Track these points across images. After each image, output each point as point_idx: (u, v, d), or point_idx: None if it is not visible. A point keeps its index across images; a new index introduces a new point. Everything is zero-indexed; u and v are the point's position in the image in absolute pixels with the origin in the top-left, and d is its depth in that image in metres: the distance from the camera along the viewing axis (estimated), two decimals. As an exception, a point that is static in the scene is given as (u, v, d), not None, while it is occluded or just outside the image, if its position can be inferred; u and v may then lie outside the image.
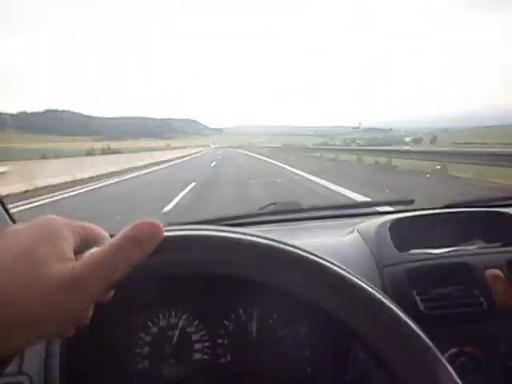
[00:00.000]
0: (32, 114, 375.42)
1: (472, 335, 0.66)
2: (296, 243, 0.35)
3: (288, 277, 0.35)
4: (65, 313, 0.32)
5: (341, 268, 0.36)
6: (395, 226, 0.83)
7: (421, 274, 0.70)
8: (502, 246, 0.78)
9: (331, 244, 0.84)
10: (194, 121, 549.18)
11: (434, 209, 1.07)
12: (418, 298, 0.67)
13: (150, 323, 0.45)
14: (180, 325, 0.45)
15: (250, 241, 0.36)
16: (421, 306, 0.66)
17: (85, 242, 0.36)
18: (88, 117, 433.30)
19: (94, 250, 0.34)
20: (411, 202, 1.22)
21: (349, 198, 6.19)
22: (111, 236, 0.35)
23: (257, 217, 1.22)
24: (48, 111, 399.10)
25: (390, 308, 0.34)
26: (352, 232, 0.88)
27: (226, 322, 0.45)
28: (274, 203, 1.26)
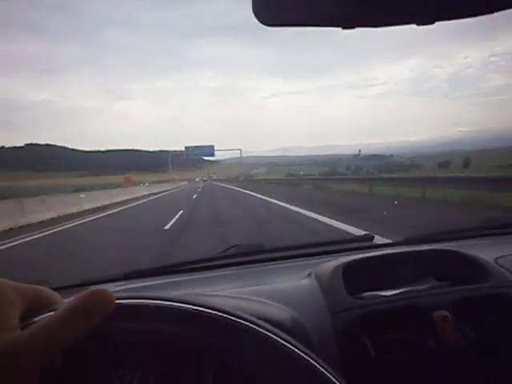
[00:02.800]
0: (10, 148, 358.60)
1: (424, 379, 0.68)
2: (252, 289, 0.36)
3: (230, 347, 0.36)
4: (7, 383, 0.30)
5: (277, 335, 0.36)
6: (349, 268, 0.84)
7: (372, 319, 0.71)
8: (451, 286, 0.80)
9: (288, 289, 0.85)
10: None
11: (392, 245, 1.09)
12: (369, 344, 0.67)
13: (100, 381, 0.44)
14: (133, 382, 0.44)
15: (199, 312, 0.36)
16: (372, 351, 0.66)
17: (36, 307, 0.35)
18: (73, 151, 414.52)
19: (42, 317, 0.33)
20: (371, 238, 1.27)
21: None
22: (78, 286, 0.39)
23: (219, 260, 1.24)
24: (29, 145, 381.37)
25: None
26: (309, 276, 0.90)
27: (182, 381, 0.44)
28: (237, 245, 1.31)
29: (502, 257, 0.88)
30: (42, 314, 0.35)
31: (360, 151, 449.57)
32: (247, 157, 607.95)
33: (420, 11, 0.36)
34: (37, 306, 0.36)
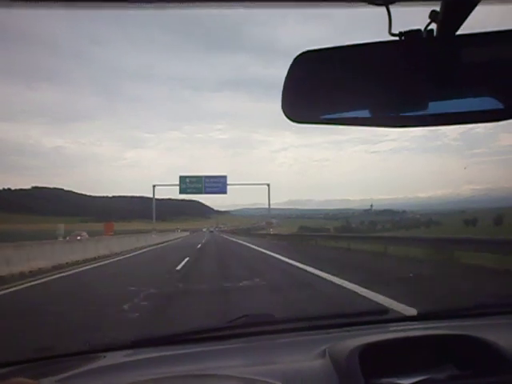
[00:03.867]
0: (17, 190, 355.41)
1: None
2: (264, 368, 0.34)
3: None
4: None
5: None
6: (367, 350, 0.81)
7: None
8: (471, 376, 0.76)
9: (301, 369, 0.82)
10: (198, 202, 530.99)
11: (406, 319, 1.08)
12: None
13: None
14: None
15: None
16: None
17: None
18: (80, 195, 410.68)
19: None
20: (386, 311, 1.25)
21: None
22: (88, 352, 0.37)
23: (228, 330, 1.20)
24: (36, 188, 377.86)
25: None
26: (323, 355, 0.86)
27: None
28: (246, 315, 1.26)
29: None
30: None
31: (372, 206, 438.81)
32: (256, 208, 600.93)
33: (429, 118, 0.38)
34: None
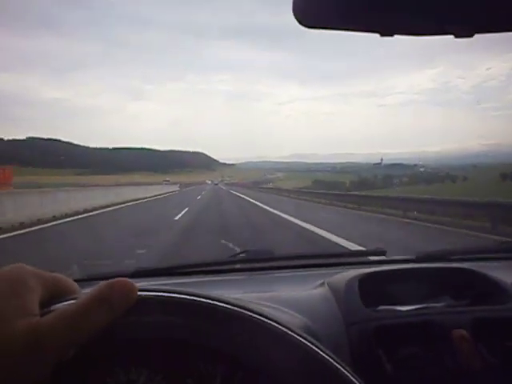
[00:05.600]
0: (10, 141, 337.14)
1: None
2: (262, 295, 0.36)
3: (248, 345, 0.35)
4: (22, 372, 0.29)
5: (296, 333, 0.36)
6: (365, 280, 0.83)
7: (388, 333, 0.70)
8: (468, 305, 0.79)
9: (301, 297, 0.84)
10: (203, 154, 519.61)
11: (404, 261, 1.10)
12: (384, 358, 0.66)
13: (107, 379, 0.43)
14: (140, 381, 0.43)
15: (224, 308, 0.35)
16: (388, 366, 0.66)
17: (54, 295, 0.34)
18: (77, 146, 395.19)
19: (63, 305, 0.32)
20: (383, 252, 1.26)
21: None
22: (85, 280, 0.28)
23: (228, 264, 1.23)
24: (30, 139, 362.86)
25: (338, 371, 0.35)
26: (322, 285, 0.89)
27: (189, 379, 0.44)
28: (246, 251, 1.28)
29: None
30: (62, 302, 0.33)
31: (382, 160, 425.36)
32: (261, 162, 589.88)
33: (460, 22, 0.34)
34: (56, 294, 0.34)
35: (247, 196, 29.86)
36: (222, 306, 0.36)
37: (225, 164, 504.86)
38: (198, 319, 0.35)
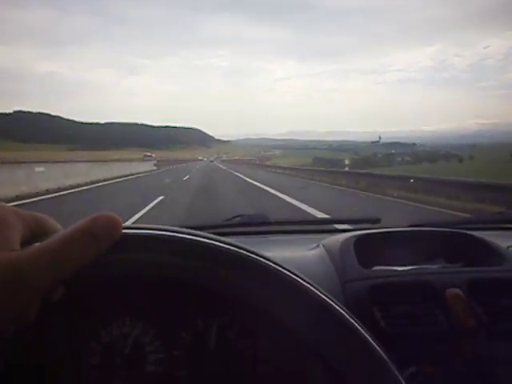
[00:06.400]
0: None
1: (431, 355, 0.67)
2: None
3: (251, 287, 0.34)
4: (3, 309, 0.28)
5: (302, 279, 0.36)
6: (360, 242, 0.84)
7: (383, 291, 0.71)
8: (462, 266, 0.80)
9: (296, 258, 0.85)
10: (198, 130, 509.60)
11: (398, 227, 1.12)
12: (379, 315, 0.67)
13: (100, 330, 0.42)
14: (134, 334, 0.42)
15: (216, 246, 0.35)
16: (382, 322, 0.66)
17: (35, 234, 0.32)
18: (68, 121, 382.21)
19: (44, 242, 0.30)
20: (378, 220, 1.27)
21: None
22: None
23: (222, 228, 1.22)
24: (18, 113, 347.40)
25: (346, 320, 0.34)
26: (317, 247, 0.89)
27: (183, 333, 0.42)
28: (240, 215, 1.27)
29: None
30: (43, 240, 0.32)
31: (380, 138, 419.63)
32: (258, 139, 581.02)
33: None
34: (38, 233, 0.33)
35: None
36: (215, 245, 0.35)
37: (220, 140, 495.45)
38: (189, 258, 0.34)
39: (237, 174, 27.49)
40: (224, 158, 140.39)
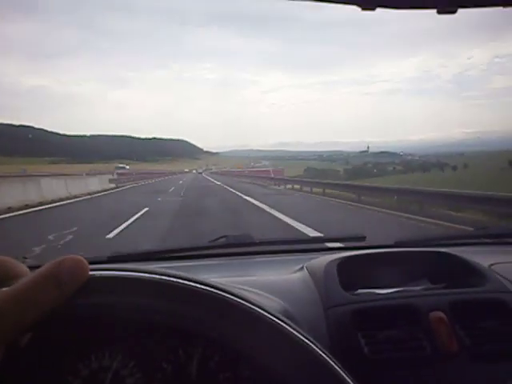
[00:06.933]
0: None
1: (416, 381, 0.66)
2: (241, 279, 0.35)
3: (223, 328, 0.34)
4: None
5: (277, 317, 0.35)
6: (343, 264, 0.83)
7: (366, 316, 0.70)
8: (445, 287, 0.80)
9: (280, 282, 0.84)
10: (186, 142, 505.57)
11: (383, 246, 1.10)
12: (362, 341, 0.66)
13: (79, 365, 0.40)
14: (113, 367, 0.40)
15: (183, 285, 0.34)
16: (365, 348, 0.65)
17: (0, 279, 0.31)
18: (53, 134, 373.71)
19: (6, 288, 0.29)
20: (363, 238, 1.25)
21: None
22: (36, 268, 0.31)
23: (207, 249, 1.22)
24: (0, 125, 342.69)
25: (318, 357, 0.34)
26: (301, 269, 0.88)
27: (164, 363, 0.42)
28: (225, 236, 1.25)
29: (496, 264, 0.88)
30: (6, 285, 0.30)
31: (368, 147, 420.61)
32: (246, 150, 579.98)
33: None
34: (2, 277, 0.31)
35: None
36: (185, 284, 0.34)
37: (209, 152, 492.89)
38: (160, 298, 0.33)
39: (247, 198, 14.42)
40: (213, 170, 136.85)
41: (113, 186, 24.20)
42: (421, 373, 0.66)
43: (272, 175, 39.56)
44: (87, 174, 25.77)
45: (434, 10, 0.32)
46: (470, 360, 0.66)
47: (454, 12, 0.32)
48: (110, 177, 28.25)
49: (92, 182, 20.59)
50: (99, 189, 20.08)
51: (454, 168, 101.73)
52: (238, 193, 17.71)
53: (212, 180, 39.40)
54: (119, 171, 35.51)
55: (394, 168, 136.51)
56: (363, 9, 0.33)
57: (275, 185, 25.57)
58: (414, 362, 0.66)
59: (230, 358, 0.41)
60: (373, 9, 0.33)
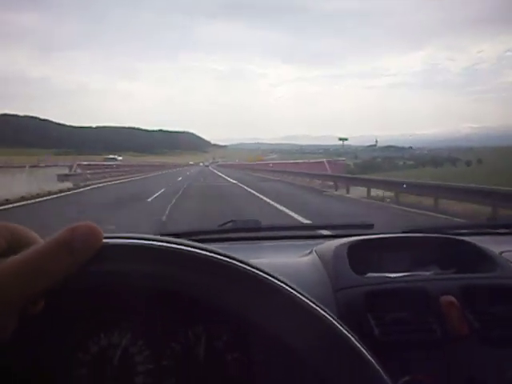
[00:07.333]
0: None
1: (426, 363, 0.66)
2: (255, 262, 0.34)
3: (238, 298, 0.33)
4: None
5: (291, 288, 0.35)
6: (353, 248, 0.83)
7: (376, 298, 0.70)
8: (456, 273, 0.80)
9: (289, 264, 0.84)
10: (193, 134, 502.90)
11: (392, 233, 1.10)
12: (373, 323, 0.66)
13: (88, 341, 0.41)
14: (122, 344, 0.41)
15: (202, 255, 0.34)
16: (376, 330, 0.65)
17: (12, 246, 0.31)
18: (58, 125, 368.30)
19: (18, 256, 0.29)
20: (371, 226, 1.26)
21: None
22: None
23: (215, 234, 1.22)
24: (4, 116, 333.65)
25: (334, 327, 0.34)
26: (310, 253, 0.88)
27: (172, 343, 0.42)
28: (233, 220, 1.25)
29: (506, 251, 0.88)
30: (18, 253, 0.30)
31: (377, 141, 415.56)
32: (254, 143, 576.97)
33: None
34: (14, 244, 0.31)
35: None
36: (198, 253, 0.34)
37: (217, 145, 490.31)
38: (172, 267, 0.33)
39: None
40: (220, 163, 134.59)
41: (68, 185, 16.41)
42: (430, 355, 0.66)
43: (329, 171, 24.33)
44: (32, 166, 17.78)
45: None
46: (479, 344, 0.66)
47: None
48: (62, 171, 18.76)
49: (18, 182, 13.02)
50: (23, 193, 12.20)
51: (468, 163, 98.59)
52: (279, 206, 9.81)
53: (222, 176, 29.85)
54: (82, 163, 24.03)
55: (404, 163, 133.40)
56: None
57: (331, 187, 16.40)
58: (423, 345, 0.66)
59: (238, 338, 0.41)
60: None
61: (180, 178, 26.11)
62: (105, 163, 38.77)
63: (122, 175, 27.90)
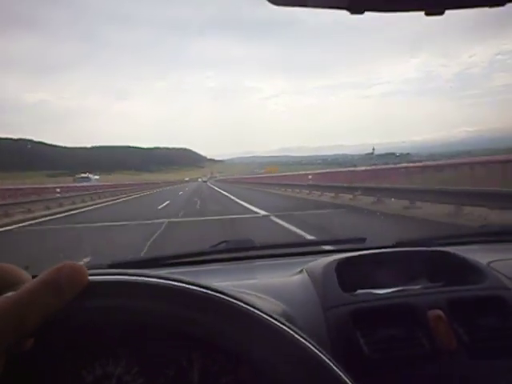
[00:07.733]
0: None
1: (416, 378, 0.66)
2: (242, 283, 0.35)
3: (207, 325, 0.34)
4: None
5: (276, 320, 0.35)
6: (342, 265, 0.84)
7: (365, 316, 0.70)
8: (444, 286, 0.80)
9: (279, 284, 0.84)
10: (189, 150, 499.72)
11: (383, 247, 1.10)
12: (362, 341, 0.66)
13: (83, 372, 0.40)
14: (116, 372, 0.41)
15: (182, 288, 0.34)
16: (365, 348, 0.65)
17: (0, 286, 0.31)
18: (53, 147, 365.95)
19: (8, 295, 0.30)
20: (363, 240, 1.27)
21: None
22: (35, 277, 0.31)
23: (208, 255, 1.23)
24: None
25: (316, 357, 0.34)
26: (300, 272, 0.89)
27: (166, 369, 0.42)
28: (225, 241, 1.27)
29: (494, 261, 0.89)
30: (8, 292, 0.31)
31: (374, 149, 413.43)
32: (250, 157, 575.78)
33: None
34: (2, 285, 0.32)
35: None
36: (182, 287, 0.34)
37: (213, 160, 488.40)
38: (159, 302, 0.33)
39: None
40: (218, 178, 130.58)
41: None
42: (420, 371, 0.66)
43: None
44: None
45: (422, 13, 0.32)
46: (468, 357, 0.66)
47: (441, 14, 0.33)
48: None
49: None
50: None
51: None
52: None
53: (229, 196, 20.81)
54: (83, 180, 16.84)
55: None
56: (352, 13, 0.32)
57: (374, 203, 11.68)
58: (413, 360, 0.66)
59: (231, 361, 0.41)
60: (361, 12, 0.32)
61: (168, 202, 17.52)
62: (75, 185, 29.61)
63: (84, 201, 19.30)
